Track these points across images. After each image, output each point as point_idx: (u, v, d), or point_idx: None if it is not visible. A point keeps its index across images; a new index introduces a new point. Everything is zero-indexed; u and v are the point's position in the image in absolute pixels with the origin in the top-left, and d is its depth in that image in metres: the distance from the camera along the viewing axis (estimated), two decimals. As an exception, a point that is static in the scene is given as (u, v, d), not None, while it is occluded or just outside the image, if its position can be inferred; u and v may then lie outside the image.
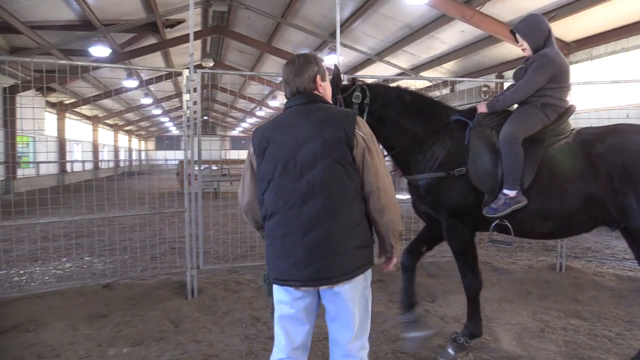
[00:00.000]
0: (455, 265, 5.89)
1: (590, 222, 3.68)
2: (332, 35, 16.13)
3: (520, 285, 5.80)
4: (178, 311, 4.89)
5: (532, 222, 3.73)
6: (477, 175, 3.73)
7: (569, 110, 3.78)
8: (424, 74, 17.51)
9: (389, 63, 17.04)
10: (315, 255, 2.38)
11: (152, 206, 9.28)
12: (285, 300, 2.50)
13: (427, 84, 16.81)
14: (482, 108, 3.90)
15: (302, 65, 2.65)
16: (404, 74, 17.56)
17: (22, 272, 6.57)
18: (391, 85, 4.26)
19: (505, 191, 3.61)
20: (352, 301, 2.47)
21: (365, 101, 3.87)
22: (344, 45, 15.35)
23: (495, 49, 14.04)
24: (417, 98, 4.09)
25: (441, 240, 4.27)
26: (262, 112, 37.44)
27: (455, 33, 14.07)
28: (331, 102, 2.76)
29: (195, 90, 5.36)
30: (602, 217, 3.62)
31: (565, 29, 12.18)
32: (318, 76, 2.65)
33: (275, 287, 2.55)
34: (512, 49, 13.49)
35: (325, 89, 2.71)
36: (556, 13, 11.34)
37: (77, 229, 8.72)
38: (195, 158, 5.48)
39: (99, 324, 4.59)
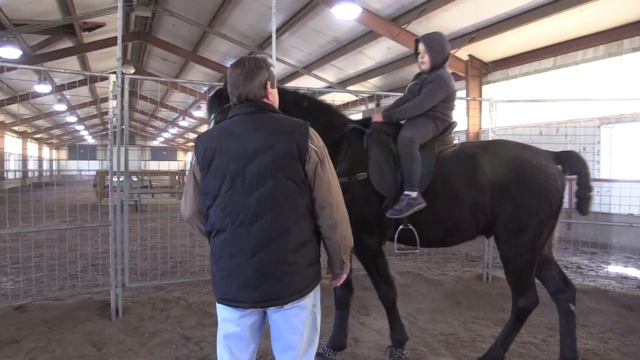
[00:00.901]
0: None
1: (474, 227, 3.91)
2: (260, 46, 16.06)
3: (450, 295, 5.93)
4: (101, 333, 4.52)
5: (426, 226, 3.87)
6: (379, 179, 3.80)
7: (452, 125, 4.14)
8: (350, 88, 17.78)
9: (316, 76, 17.17)
10: (265, 277, 2.28)
11: (64, 220, 8.66)
12: (230, 319, 2.38)
13: (353, 97, 17.09)
14: (377, 117, 4.06)
15: (252, 70, 2.45)
16: (330, 87, 17.74)
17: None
18: (286, 88, 4.10)
19: (406, 192, 3.74)
20: (300, 320, 2.38)
21: None
22: (270, 56, 15.24)
23: (416, 67, 14.48)
24: (314, 104, 4.03)
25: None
26: (185, 122, 36.51)
27: (382, 49, 14.44)
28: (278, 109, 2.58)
29: (122, 96, 5.04)
30: (483, 223, 3.88)
31: (484, 49, 12.85)
32: (269, 83, 2.48)
33: (219, 306, 2.42)
34: (435, 67, 14.03)
35: (275, 97, 2.57)
36: (476, 35, 11.94)
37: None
38: (121, 168, 5.15)
39: (10, 350, 4.15)
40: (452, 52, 12.49)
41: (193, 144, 2.56)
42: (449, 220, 3.91)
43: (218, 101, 3.50)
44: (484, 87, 13.65)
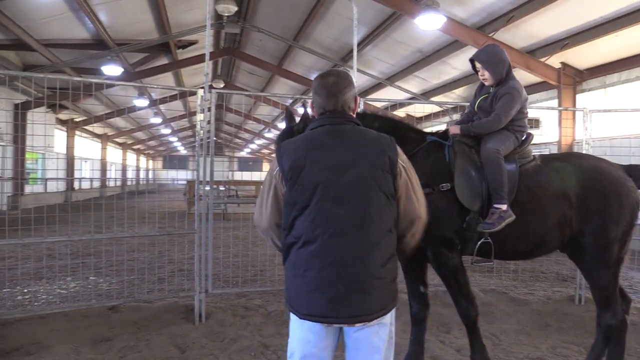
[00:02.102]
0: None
1: (559, 241, 3.85)
2: (343, 59, 16.21)
3: (538, 317, 5.61)
4: (185, 336, 4.73)
5: (514, 241, 3.79)
6: (464, 191, 3.70)
7: (530, 137, 4.06)
8: (434, 99, 17.49)
9: (399, 87, 17.04)
10: (356, 291, 2.23)
11: (159, 226, 9.16)
12: (311, 338, 2.31)
13: (437, 108, 16.78)
14: (455, 130, 3.96)
15: (346, 81, 2.47)
16: (414, 98, 17.55)
17: (25, 290, 6.44)
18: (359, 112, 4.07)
19: (496, 205, 3.66)
20: (380, 338, 2.34)
21: None
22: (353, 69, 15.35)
23: (507, 76, 14.00)
24: (387, 122, 3.88)
25: (426, 269, 4.11)
26: (270, 134, 37.55)
27: (467, 59, 14.02)
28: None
29: (209, 109, 5.27)
30: (568, 236, 3.83)
31: (578, 56, 12.16)
32: (356, 97, 2.55)
33: (300, 323, 2.32)
34: (524, 76, 13.43)
35: (356, 112, 2.61)
36: (569, 41, 11.34)
37: (83, 247, 8.58)
38: (207, 178, 5.37)
39: (103, 348, 4.44)
40: (543, 59, 12.07)
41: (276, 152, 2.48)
42: (536, 234, 3.82)
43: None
44: (579, 96, 12.86)
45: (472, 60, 4.07)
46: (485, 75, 3.96)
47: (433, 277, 4.08)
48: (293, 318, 2.35)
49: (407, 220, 2.43)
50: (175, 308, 5.41)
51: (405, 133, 3.91)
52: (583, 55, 12.04)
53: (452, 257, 3.78)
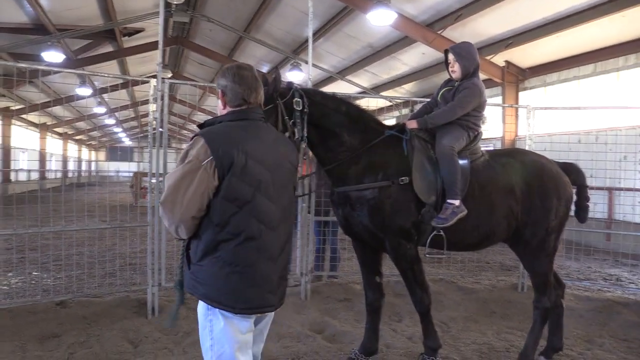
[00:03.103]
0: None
1: (506, 232, 4.11)
2: (295, 51, 16.18)
3: (484, 304, 5.85)
4: (137, 331, 4.63)
5: (464, 233, 3.96)
6: (421, 185, 3.83)
7: (479, 134, 4.22)
8: (384, 93, 17.74)
9: (350, 82, 17.19)
10: (283, 278, 2.50)
11: (103, 219, 8.88)
12: (244, 329, 2.37)
13: (387, 103, 17.01)
14: (412, 124, 4.07)
15: (258, 78, 2.54)
16: (364, 92, 17.74)
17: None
18: (325, 92, 4.18)
19: (450, 201, 3.81)
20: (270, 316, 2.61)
21: (305, 110, 3.68)
22: (305, 61, 15.34)
23: (454, 72, 14.39)
24: (353, 109, 4.04)
25: (381, 260, 4.26)
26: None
27: (417, 55, 14.37)
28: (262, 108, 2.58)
29: (162, 99, 5.16)
30: (514, 227, 4.09)
31: (521, 55, 12.65)
32: None
33: (229, 319, 2.31)
34: (471, 73, 13.87)
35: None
36: (513, 40, 11.78)
37: (28, 241, 8.16)
38: (160, 170, 5.27)
39: (51, 344, 4.30)
40: (488, 57, 12.47)
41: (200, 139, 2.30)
42: (486, 226, 4.05)
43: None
44: (521, 94, 13.43)
45: (446, 52, 4.23)
46: (454, 68, 4.11)
47: (387, 267, 4.18)
48: (213, 317, 2.31)
49: None
50: (126, 302, 5.28)
51: (368, 122, 4.04)
52: (526, 55, 12.55)
53: (409, 248, 3.90)
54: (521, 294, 6.23)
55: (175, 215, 2.26)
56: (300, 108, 3.65)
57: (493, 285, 6.62)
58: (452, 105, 4.03)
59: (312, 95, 3.83)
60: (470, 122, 4.07)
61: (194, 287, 2.34)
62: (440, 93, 4.29)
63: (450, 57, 4.15)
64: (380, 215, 3.79)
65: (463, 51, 4.14)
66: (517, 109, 12.39)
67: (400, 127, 4.08)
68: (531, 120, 6.66)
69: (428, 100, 4.59)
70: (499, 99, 13.55)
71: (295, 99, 3.66)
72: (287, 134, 3.56)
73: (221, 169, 2.24)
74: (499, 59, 12.86)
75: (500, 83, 13.22)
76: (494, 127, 13.38)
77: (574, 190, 4.38)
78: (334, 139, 3.85)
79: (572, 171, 4.43)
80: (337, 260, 6.41)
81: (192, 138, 2.34)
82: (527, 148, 6.57)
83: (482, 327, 5.16)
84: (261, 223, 2.32)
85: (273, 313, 2.53)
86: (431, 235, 3.90)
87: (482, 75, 13.51)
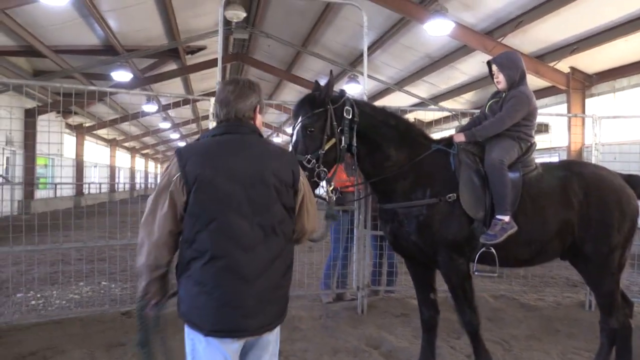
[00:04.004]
0: (482, 299, 5.77)
1: (560, 248, 3.94)
2: (352, 64, 16.27)
3: (548, 322, 5.61)
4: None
5: (516, 248, 3.81)
6: (470, 202, 3.71)
7: (533, 145, 4.08)
8: (443, 104, 17.49)
9: (408, 92, 17.07)
10: (264, 303, 2.26)
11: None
12: (227, 353, 2.25)
13: (446, 114, 16.75)
14: (460, 137, 3.95)
15: (245, 90, 2.43)
16: (423, 103, 17.57)
17: (39, 295, 6.51)
18: (374, 105, 4.16)
19: (499, 217, 3.68)
20: (276, 342, 2.45)
21: (355, 119, 3.69)
22: (362, 74, 15.38)
23: (515, 80, 14.00)
24: (401, 123, 4.01)
25: (435, 276, 4.15)
26: (278, 139, 37.64)
27: (476, 64, 14.06)
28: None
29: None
30: (569, 243, 3.91)
31: (587, 61, 12.13)
32: (258, 107, 2.49)
33: (205, 341, 2.22)
34: (533, 80, 13.41)
35: (259, 123, 2.53)
36: (578, 45, 11.33)
37: (97, 253, 8.61)
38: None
39: (117, 352, 4.48)
40: (552, 64, 12.05)
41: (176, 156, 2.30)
42: (539, 241, 3.89)
43: (310, 105, 3.61)
44: (588, 101, 12.84)
45: (489, 63, 4.14)
46: (499, 78, 4.02)
47: (441, 283, 4.10)
48: (194, 337, 2.26)
49: (296, 232, 2.51)
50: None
51: (416, 137, 3.99)
52: (592, 60, 12.02)
53: (461, 263, 3.81)
54: (588, 312, 5.94)
55: (155, 233, 2.25)
56: (350, 117, 3.66)
57: (558, 302, 6.34)
58: (500, 116, 3.92)
59: (362, 106, 3.84)
60: (521, 132, 3.94)
61: (177, 304, 2.30)
62: (488, 105, 4.20)
63: (494, 68, 4.06)
64: (430, 232, 3.73)
65: (505, 60, 4.04)
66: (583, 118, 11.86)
67: (447, 141, 4.00)
68: (597, 130, 6.37)
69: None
70: (564, 107, 13.04)
71: (346, 107, 3.67)
72: (332, 141, 3.58)
73: (187, 184, 2.20)
74: (563, 65, 12.38)
75: (565, 90, 12.71)
76: (559, 136, 12.88)
77: None
78: (381, 152, 3.81)
79: (636, 184, 4.16)
80: (395, 275, 6.35)
81: None
82: (593, 158, 6.30)
83: (546, 347, 4.94)
84: (230, 242, 2.19)
85: (273, 339, 2.40)
86: (480, 251, 3.77)
87: (545, 83, 13.16)
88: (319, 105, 3.58)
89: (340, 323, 5.35)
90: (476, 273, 4.00)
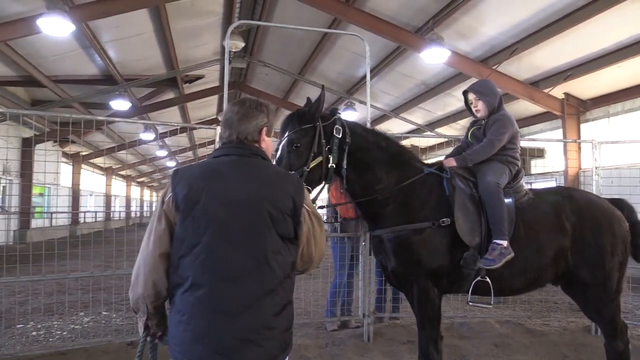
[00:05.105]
0: (488, 325, 5.74)
1: (554, 274, 3.86)
2: (348, 91, 16.46)
3: (555, 348, 5.57)
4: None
5: (511, 277, 3.72)
6: (465, 227, 3.59)
7: (522, 172, 4.05)
8: (438, 130, 17.67)
9: (404, 119, 17.24)
10: (246, 342, 2.02)
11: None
12: None
13: (440, 140, 16.90)
14: (450, 162, 3.87)
15: (251, 111, 2.30)
16: (419, 129, 17.73)
17: (39, 326, 6.42)
18: (367, 127, 4.06)
19: (498, 241, 3.58)
20: None
21: (347, 140, 3.56)
22: (359, 101, 15.59)
23: (511, 107, 14.13)
24: (392, 145, 3.89)
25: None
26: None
27: (471, 91, 14.27)
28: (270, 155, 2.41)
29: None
30: (563, 268, 3.84)
31: (581, 87, 12.34)
32: (265, 129, 2.33)
33: None
34: (528, 107, 13.63)
35: (268, 146, 2.38)
36: (572, 72, 11.53)
37: (93, 282, 8.53)
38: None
39: (122, 384, 4.42)
40: (546, 90, 12.23)
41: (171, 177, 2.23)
42: (535, 269, 3.80)
43: (298, 120, 3.48)
44: (583, 126, 13.00)
45: (465, 93, 4.14)
46: (478, 106, 4.01)
47: (445, 310, 4.05)
48: None
49: (301, 263, 2.29)
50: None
51: (408, 159, 3.88)
52: (586, 86, 12.22)
53: (437, 296, 3.66)
54: (595, 337, 5.89)
55: (148, 256, 2.13)
56: (340, 136, 3.52)
57: (564, 328, 6.30)
58: (489, 140, 3.88)
59: (353, 127, 3.72)
60: (508, 155, 3.92)
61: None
62: (470, 132, 4.16)
63: (471, 96, 4.06)
64: (413, 258, 3.59)
65: (483, 88, 4.05)
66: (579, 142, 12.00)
67: (439, 166, 3.90)
68: (597, 155, 6.44)
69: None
70: (559, 132, 13.19)
71: (337, 125, 3.54)
72: (319, 159, 3.43)
73: (178, 206, 2.09)
74: (558, 91, 12.57)
75: (560, 116, 12.88)
76: (555, 161, 13.00)
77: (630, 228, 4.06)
78: (372, 174, 3.67)
79: (623, 207, 4.14)
80: (400, 301, 6.32)
81: None
82: (593, 183, 6.36)
83: (555, 373, 4.92)
84: (213, 270, 2.03)
85: None
86: (474, 281, 3.64)
87: (540, 109, 13.31)
88: (308, 121, 3.46)
89: (346, 351, 5.30)
90: (470, 304, 3.87)
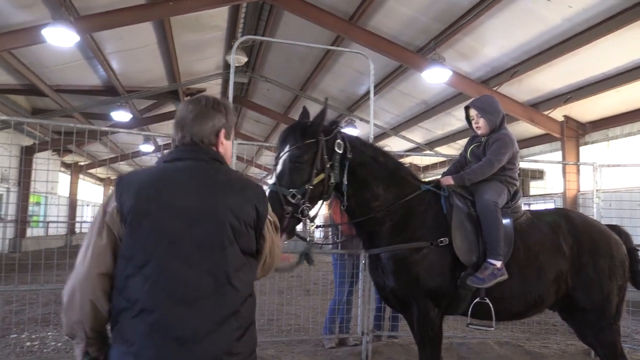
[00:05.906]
0: (487, 346, 5.70)
1: (554, 297, 3.74)
2: (349, 108, 16.55)
3: (555, 371, 5.54)
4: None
5: (510, 300, 3.64)
6: (462, 246, 3.51)
7: (520, 192, 3.98)
8: (438, 149, 17.73)
9: (404, 137, 17.30)
10: None
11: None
12: None
13: (440, 159, 16.96)
14: (448, 181, 3.80)
15: (207, 110, 2.04)
16: (418, 148, 17.79)
17: (33, 336, 6.34)
18: (366, 141, 3.91)
19: (491, 261, 3.47)
20: None
21: (348, 155, 3.46)
22: (360, 118, 15.66)
23: (510, 128, 14.03)
24: (390, 161, 3.78)
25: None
26: (272, 180, 37.74)
27: (471, 111, 14.36)
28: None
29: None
30: (563, 291, 3.73)
31: (581, 110, 12.42)
32: (223, 130, 2.07)
33: None
34: (528, 128, 13.69)
35: (227, 150, 2.12)
36: (572, 95, 11.61)
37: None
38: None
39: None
40: (546, 113, 12.31)
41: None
42: (534, 292, 3.68)
43: (301, 134, 3.37)
44: (582, 149, 13.06)
45: (467, 108, 4.02)
46: (479, 124, 3.90)
47: (444, 330, 4.02)
48: None
49: (261, 273, 2.13)
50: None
51: (405, 176, 3.79)
52: (586, 109, 12.30)
53: (437, 316, 3.57)
54: (595, 361, 5.87)
55: (82, 272, 1.84)
56: (341, 151, 3.43)
57: (563, 350, 6.27)
58: (488, 159, 3.78)
59: (352, 141, 3.60)
60: (507, 175, 3.84)
61: None
62: (469, 150, 4.06)
63: (473, 112, 3.93)
64: (412, 278, 3.48)
65: (486, 105, 3.91)
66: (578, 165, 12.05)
67: (436, 184, 3.82)
68: (598, 177, 6.47)
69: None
70: (558, 154, 13.24)
71: (338, 140, 3.44)
72: (321, 176, 3.33)
73: (124, 218, 1.83)
74: (558, 113, 12.65)
75: (560, 138, 12.95)
76: (554, 183, 13.03)
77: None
78: (369, 190, 3.56)
79: (620, 233, 4.05)
80: (398, 319, 6.28)
81: None
82: (594, 205, 6.38)
83: (555, 396, 4.87)
84: (165, 292, 1.76)
85: None
86: (472, 303, 3.54)
87: (540, 131, 13.37)
88: (310, 136, 3.34)
89: (345, 370, 5.25)
90: (470, 326, 3.78)
